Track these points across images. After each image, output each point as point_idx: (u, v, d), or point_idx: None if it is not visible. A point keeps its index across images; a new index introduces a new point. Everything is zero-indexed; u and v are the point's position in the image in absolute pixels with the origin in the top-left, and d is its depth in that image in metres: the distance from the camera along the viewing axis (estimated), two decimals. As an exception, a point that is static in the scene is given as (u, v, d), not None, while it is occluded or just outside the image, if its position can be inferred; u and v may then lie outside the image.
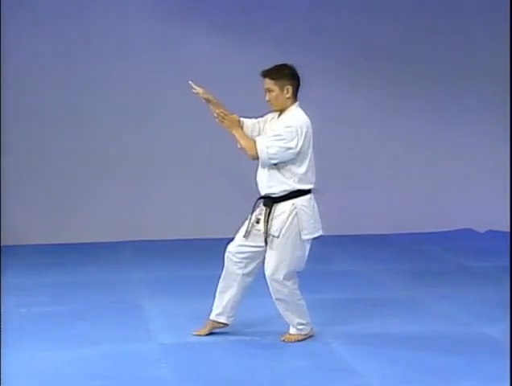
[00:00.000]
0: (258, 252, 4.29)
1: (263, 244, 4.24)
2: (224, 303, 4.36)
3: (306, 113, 4.22)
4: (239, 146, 4.24)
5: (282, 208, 4.16)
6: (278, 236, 4.16)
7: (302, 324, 4.36)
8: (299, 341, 4.34)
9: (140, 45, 7.41)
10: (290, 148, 4.07)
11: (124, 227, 7.47)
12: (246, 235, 4.25)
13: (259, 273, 4.37)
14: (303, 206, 4.16)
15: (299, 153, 4.11)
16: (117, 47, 7.40)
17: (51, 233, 7.36)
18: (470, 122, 7.87)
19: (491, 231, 7.79)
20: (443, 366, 3.98)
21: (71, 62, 7.36)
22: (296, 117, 4.15)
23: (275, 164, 4.14)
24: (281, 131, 4.10)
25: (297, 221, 4.15)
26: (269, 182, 4.19)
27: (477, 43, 7.76)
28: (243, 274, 4.31)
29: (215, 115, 4.21)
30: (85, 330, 4.55)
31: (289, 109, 4.19)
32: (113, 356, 4.09)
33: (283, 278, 4.21)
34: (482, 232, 7.82)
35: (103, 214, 7.48)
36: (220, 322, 4.40)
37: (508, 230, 7.56)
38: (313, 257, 6.50)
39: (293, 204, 4.15)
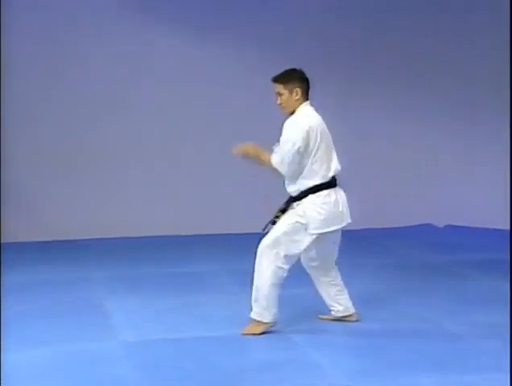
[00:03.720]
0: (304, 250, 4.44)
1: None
2: (328, 299, 4.62)
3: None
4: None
5: (294, 205, 4.36)
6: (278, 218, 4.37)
7: (266, 311, 4.38)
8: (258, 334, 4.35)
9: (117, 40, 7.40)
10: (298, 151, 4.24)
11: (87, 225, 7.37)
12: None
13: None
14: (312, 203, 4.31)
15: (305, 152, 4.28)
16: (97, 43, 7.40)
17: (12, 231, 7.22)
18: (432, 121, 7.94)
19: (450, 225, 7.88)
20: (404, 359, 4.01)
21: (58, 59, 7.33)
22: (301, 120, 4.29)
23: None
24: (285, 138, 4.27)
25: (301, 215, 4.30)
26: (286, 181, 4.39)
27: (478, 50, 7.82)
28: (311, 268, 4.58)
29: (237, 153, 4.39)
30: (45, 330, 4.48)
31: (299, 109, 4.34)
32: (72, 355, 4.04)
33: (270, 248, 4.31)
34: (441, 226, 7.91)
35: (65, 212, 7.39)
36: (349, 315, 4.64)
37: (466, 224, 7.69)
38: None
39: (303, 201, 4.32)
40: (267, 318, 4.40)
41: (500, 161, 7.74)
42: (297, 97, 4.33)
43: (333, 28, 7.68)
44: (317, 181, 4.33)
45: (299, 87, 4.33)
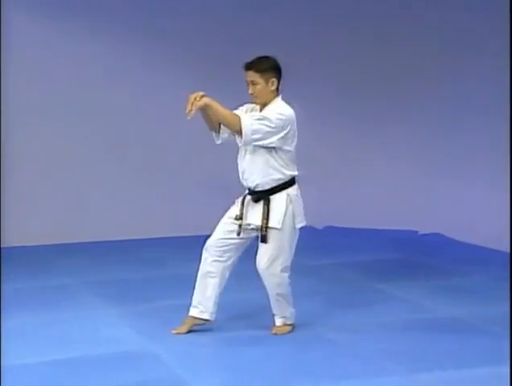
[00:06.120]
0: (240, 244, 4.27)
1: (244, 236, 4.23)
2: (207, 300, 4.26)
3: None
4: (216, 120, 4.13)
5: (278, 200, 4.14)
6: (279, 229, 4.12)
7: (291, 313, 4.36)
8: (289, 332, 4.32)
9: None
10: (274, 133, 4.03)
11: None
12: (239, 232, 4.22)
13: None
14: (295, 195, 4.20)
15: (285, 141, 4.09)
16: None
17: None
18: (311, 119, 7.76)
19: (329, 227, 7.75)
20: (278, 369, 3.81)
21: None
22: (285, 108, 4.14)
23: (255, 145, 4.09)
24: (271, 116, 4.04)
25: (291, 211, 4.15)
26: (263, 171, 4.12)
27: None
28: (224, 268, 4.25)
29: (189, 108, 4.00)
30: None
31: (274, 101, 4.15)
32: None
33: (281, 271, 4.21)
34: (321, 228, 7.77)
35: None
36: (202, 319, 4.30)
37: (343, 225, 7.57)
38: (147, 262, 6.24)
39: (288, 194, 4.16)
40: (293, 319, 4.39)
41: (383, 159, 7.68)
42: (272, 88, 4.13)
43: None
44: (294, 172, 4.20)
45: (275, 77, 4.13)
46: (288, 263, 4.25)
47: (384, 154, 7.71)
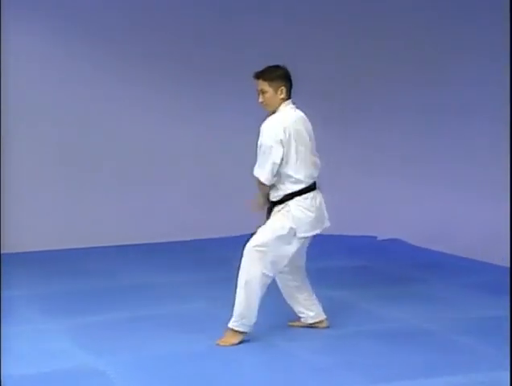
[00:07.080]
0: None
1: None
2: (297, 306, 4.45)
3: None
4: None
5: (277, 208, 4.22)
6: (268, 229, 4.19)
7: (246, 319, 4.13)
8: (232, 345, 4.11)
9: None
10: (275, 153, 4.08)
11: None
12: None
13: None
14: (298, 205, 4.17)
15: (288, 148, 4.12)
16: None
17: None
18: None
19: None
20: (228, 384, 3.64)
21: None
22: (276, 122, 4.13)
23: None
24: (263, 144, 4.11)
25: (290, 218, 4.14)
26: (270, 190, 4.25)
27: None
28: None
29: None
30: None
31: (278, 110, 4.18)
32: None
33: (258, 260, 4.09)
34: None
35: None
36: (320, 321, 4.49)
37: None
38: (97, 273, 6.01)
39: (286, 204, 4.18)
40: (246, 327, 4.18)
41: (341, 164, 7.52)
42: (282, 96, 4.18)
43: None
44: (297, 186, 4.18)
45: (284, 85, 4.17)
46: (269, 265, 4.12)
47: (342, 159, 7.59)
